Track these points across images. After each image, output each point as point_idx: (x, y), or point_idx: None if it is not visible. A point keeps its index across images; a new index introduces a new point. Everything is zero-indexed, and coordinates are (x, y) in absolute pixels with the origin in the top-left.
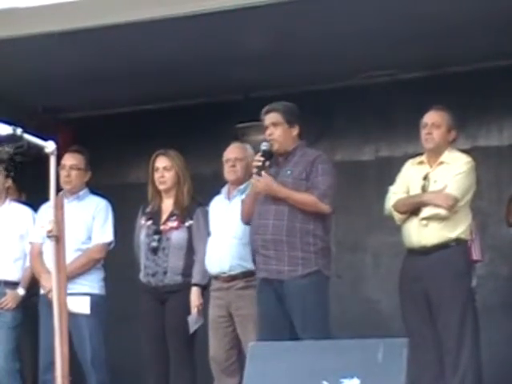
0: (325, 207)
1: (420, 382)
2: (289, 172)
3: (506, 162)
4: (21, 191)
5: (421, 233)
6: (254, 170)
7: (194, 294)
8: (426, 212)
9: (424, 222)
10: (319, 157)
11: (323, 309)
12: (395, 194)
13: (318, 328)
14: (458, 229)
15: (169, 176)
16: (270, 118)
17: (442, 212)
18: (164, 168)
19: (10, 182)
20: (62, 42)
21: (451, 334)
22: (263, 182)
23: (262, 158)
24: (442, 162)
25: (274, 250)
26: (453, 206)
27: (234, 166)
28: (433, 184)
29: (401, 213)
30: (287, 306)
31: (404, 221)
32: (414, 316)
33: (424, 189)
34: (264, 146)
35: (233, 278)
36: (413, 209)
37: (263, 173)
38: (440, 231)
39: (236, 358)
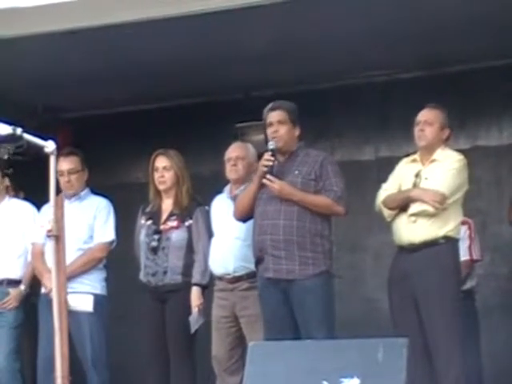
0: (340, 209)
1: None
2: (296, 172)
3: (505, 161)
4: (18, 190)
5: (409, 229)
6: (265, 169)
7: (195, 294)
8: (414, 208)
9: (413, 218)
10: (327, 157)
11: (331, 308)
12: (386, 191)
13: (327, 327)
14: (447, 226)
15: (168, 176)
16: (276, 115)
17: (430, 208)
18: (164, 168)
19: (7, 181)
20: (62, 41)
21: (439, 335)
22: (278, 184)
23: (273, 158)
24: (434, 160)
25: (285, 250)
26: (440, 203)
27: (235, 164)
28: (424, 181)
29: (390, 209)
30: (294, 306)
31: (393, 217)
32: (402, 315)
33: (415, 186)
34: (271, 145)
35: (237, 279)
36: (402, 205)
37: (272, 177)
38: (428, 228)
39: (238, 358)
